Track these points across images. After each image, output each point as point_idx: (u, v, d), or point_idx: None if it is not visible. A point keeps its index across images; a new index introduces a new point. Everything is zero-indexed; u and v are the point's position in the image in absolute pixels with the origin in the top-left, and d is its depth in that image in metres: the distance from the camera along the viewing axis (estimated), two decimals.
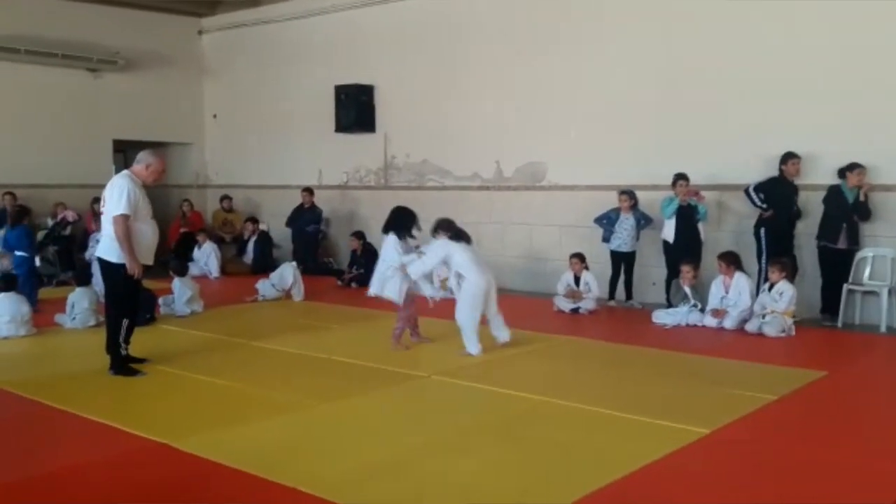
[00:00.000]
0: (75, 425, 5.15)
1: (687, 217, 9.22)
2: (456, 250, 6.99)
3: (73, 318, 8.24)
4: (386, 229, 7.38)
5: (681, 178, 9.20)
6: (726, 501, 3.98)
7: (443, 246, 7.04)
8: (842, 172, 8.50)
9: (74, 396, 5.74)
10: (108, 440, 4.84)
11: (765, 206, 8.83)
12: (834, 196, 8.52)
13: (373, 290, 7.34)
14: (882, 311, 8.33)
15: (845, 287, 8.56)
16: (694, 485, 4.20)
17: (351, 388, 5.97)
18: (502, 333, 7.24)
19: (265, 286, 10.20)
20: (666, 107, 9.85)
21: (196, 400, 5.78)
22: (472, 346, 6.95)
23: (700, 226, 9.28)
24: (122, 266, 6.20)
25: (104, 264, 6.34)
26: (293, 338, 7.78)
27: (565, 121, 10.72)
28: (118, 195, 6.17)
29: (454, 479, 4.23)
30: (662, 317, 8.59)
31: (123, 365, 6.39)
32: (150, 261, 6.49)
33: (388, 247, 7.25)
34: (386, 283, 7.20)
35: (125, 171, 6.49)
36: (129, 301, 6.43)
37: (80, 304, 8.27)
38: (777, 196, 8.79)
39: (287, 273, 10.25)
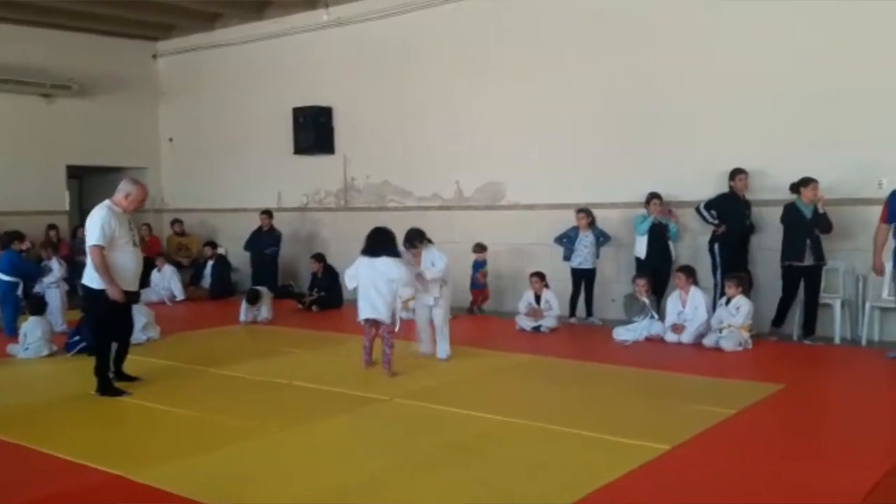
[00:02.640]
0: (28, 459, 5.01)
1: (658, 234, 9.36)
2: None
3: (27, 349, 8.06)
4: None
5: (655, 196, 9.35)
6: None
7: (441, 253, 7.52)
8: (794, 188, 8.44)
9: (27, 429, 5.60)
10: (63, 474, 4.72)
11: (716, 222, 8.97)
12: (791, 213, 8.42)
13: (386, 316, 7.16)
14: (836, 323, 8.48)
15: (799, 300, 8.73)
16: (656, 502, 4.22)
17: (312, 414, 5.90)
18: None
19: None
20: (622, 126, 9.98)
21: (153, 430, 5.67)
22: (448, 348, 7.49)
23: (670, 244, 9.43)
24: (103, 292, 6.33)
25: (86, 290, 6.49)
26: (252, 364, 7.68)
27: (524, 141, 10.80)
28: (93, 227, 6.33)
29: (420, 502, 4.19)
30: (622, 333, 8.66)
31: (109, 386, 6.50)
32: (132, 287, 6.64)
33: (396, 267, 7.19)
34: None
35: (105, 202, 6.61)
36: (113, 326, 6.57)
37: (34, 334, 8.10)
38: (729, 211, 8.93)
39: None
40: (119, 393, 6.48)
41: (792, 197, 8.54)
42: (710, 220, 9.00)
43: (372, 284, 7.09)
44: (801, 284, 8.48)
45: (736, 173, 8.91)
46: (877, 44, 8.42)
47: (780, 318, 8.73)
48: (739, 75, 9.15)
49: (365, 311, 7.14)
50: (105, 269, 6.28)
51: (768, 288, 9.05)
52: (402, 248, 7.52)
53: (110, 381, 6.54)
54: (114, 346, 6.69)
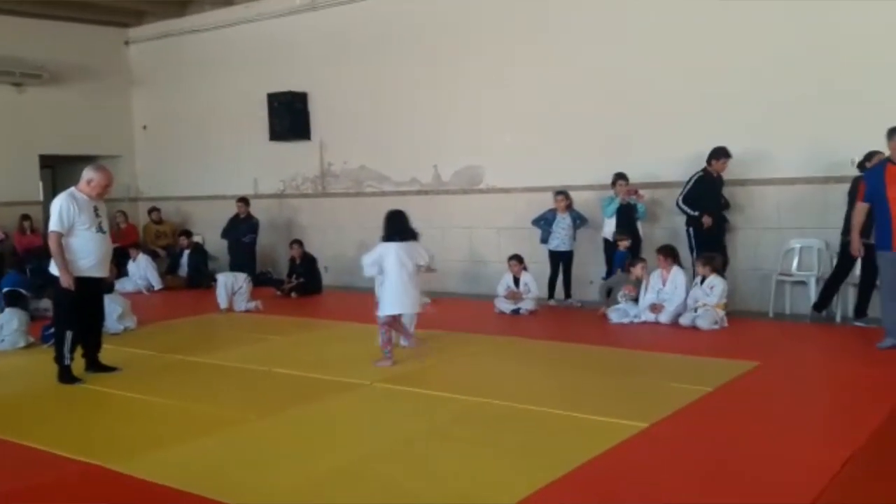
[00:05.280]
0: (6, 451, 4.98)
1: (627, 215, 9.38)
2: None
3: (2, 340, 8.00)
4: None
5: (620, 177, 9.37)
6: (665, 494, 4.05)
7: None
8: (861, 165, 7.95)
9: (5, 421, 5.56)
10: (42, 465, 4.69)
11: (697, 213, 8.83)
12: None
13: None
14: (810, 300, 8.57)
15: (774, 278, 8.83)
16: (634, 479, 4.27)
17: (291, 400, 5.90)
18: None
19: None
20: (599, 107, 9.99)
21: (133, 420, 5.65)
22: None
23: (639, 224, 9.46)
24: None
25: (51, 278, 6.56)
26: (232, 351, 7.66)
27: (501, 124, 10.80)
28: (53, 213, 6.44)
29: (400, 486, 4.22)
30: (616, 316, 8.66)
31: (66, 374, 6.57)
32: (98, 273, 6.66)
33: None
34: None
35: (70, 189, 6.65)
36: (75, 314, 6.55)
37: (10, 326, 8.04)
38: (706, 196, 8.81)
39: (229, 280, 10.17)
40: (74, 380, 6.54)
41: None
42: (692, 213, 8.86)
43: (407, 273, 6.82)
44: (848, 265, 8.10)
45: (721, 155, 8.73)
46: (845, 23, 8.48)
47: (826, 299, 8.34)
48: (713, 57, 9.20)
49: (402, 306, 6.89)
50: (60, 255, 6.35)
51: (747, 266, 9.16)
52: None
53: (68, 369, 6.58)
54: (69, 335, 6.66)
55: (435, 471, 4.43)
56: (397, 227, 6.94)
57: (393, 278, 6.80)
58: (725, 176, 9.01)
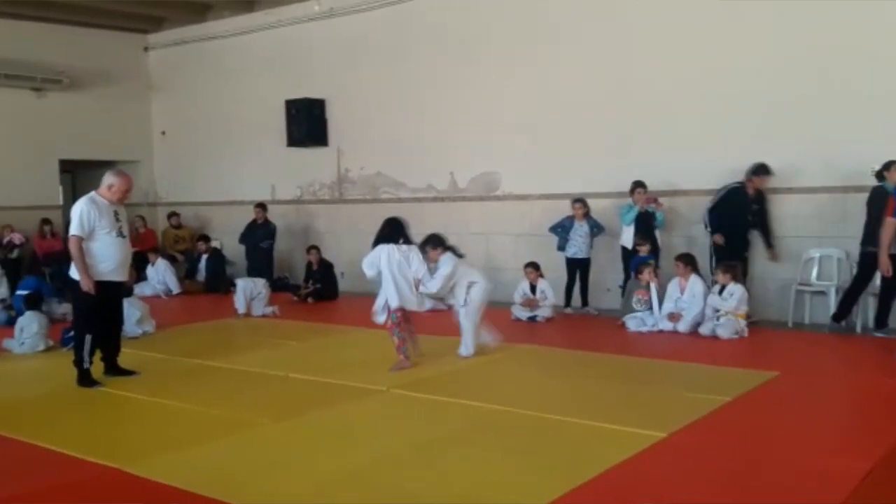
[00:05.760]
0: (25, 453, 5.01)
1: (645, 224, 9.34)
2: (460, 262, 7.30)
3: (22, 343, 8.05)
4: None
5: (639, 185, 9.34)
6: None
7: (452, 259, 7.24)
8: (880, 174, 7.87)
9: (24, 423, 5.60)
10: (59, 467, 4.72)
11: (710, 229, 8.81)
12: (881, 198, 7.70)
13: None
14: (830, 310, 8.49)
15: (794, 287, 8.75)
16: (653, 489, 4.24)
17: (308, 405, 5.91)
18: (491, 337, 7.59)
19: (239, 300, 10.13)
20: (617, 115, 9.97)
21: (148, 423, 5.68)
22: (473, 347, 7.33)
23: (657, 232, 9.41)
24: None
25: (71, 282, 6.61)
26: (249, 356, 7.68)
27: (517, 131, 10.79)
28: (73, 217, 6.51)
29: (413, 492, 4.20)
30: (634, 325, 8.62)
31: (86, 377, 6.61)
32: (117, 277, 6.72)
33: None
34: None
35: (90, 193, 6.72)
36: (94, 318, 6.61)
37: (30, 329, 8.09)
38: (730, 208, 8.69)
39: (249, 286, 10.20)
40: (94, 384, 6.58)
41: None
42: (707, 229, 8.87)
43: (400, 270, 6.95)
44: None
45: (759, 172, 8.61)
46: (863, 34, 8.42)
47: (846, 309, 8.26)
48: (740, 67, 9.14)
49: (406, 300, 6.97)
50: (80, 259, 6.41)
51: (767, 275, 9.08)
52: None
53: (87, 372, 6.63)
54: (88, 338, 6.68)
55: (450, 478, 4.40)
56: (387, 231, 7.13)
57: (387, 277, 6.92)
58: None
